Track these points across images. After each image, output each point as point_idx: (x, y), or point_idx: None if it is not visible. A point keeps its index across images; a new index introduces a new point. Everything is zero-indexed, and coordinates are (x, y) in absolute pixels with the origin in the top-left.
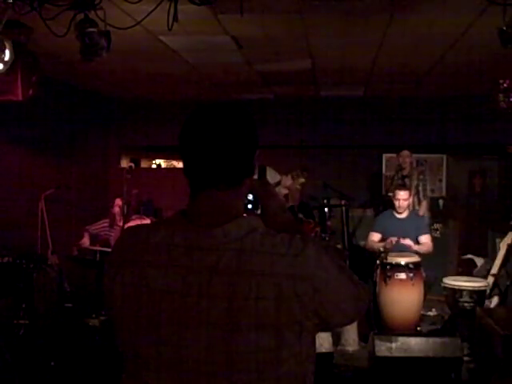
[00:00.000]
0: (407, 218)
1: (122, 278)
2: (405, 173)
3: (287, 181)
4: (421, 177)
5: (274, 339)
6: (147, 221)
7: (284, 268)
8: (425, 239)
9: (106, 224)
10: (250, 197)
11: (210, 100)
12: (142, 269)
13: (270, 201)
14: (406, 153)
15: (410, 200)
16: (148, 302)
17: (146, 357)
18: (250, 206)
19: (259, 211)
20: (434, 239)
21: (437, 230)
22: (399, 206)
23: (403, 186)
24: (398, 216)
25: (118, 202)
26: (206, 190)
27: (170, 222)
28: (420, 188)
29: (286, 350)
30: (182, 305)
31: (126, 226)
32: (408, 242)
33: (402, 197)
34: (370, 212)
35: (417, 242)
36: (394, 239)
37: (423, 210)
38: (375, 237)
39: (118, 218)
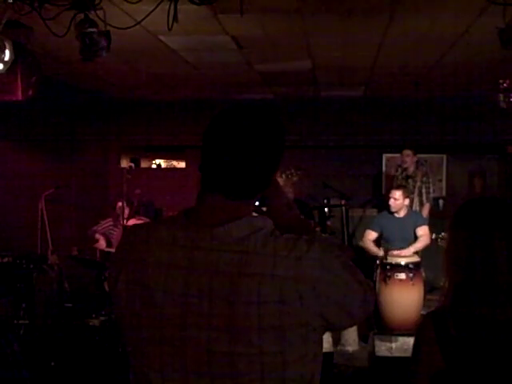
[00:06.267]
0: (405, 216)
1: (126, 277)
2: (409, 172)
3: (279, 180)
4: (424, 179)
5: (278, 342)
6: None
7: (286, 270)
8: (422, 231)
9: (111, 222)
10: None
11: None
12: (144, 268)
13: (276, 198)
14: (406, 152)
15: (406, 202)
16: (150, 301)
17: (150, 356)
18: (256, 203)
19: (265, 208)
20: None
21: (442, 238)
22: (390, 205)
23: (400, 187)
24: (397, 215)
25: (119, 204)
26: (215, 194)
27: (172, 221)
28: (423, 190)
29: (291, 353)
30: (182, 305)
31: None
32: (406, 252)
33: (393, 196)
34: (369, 212)
35: (415, 237)
36: (395, 253)
37: (425, 212)
38: (371, 235)
39: (120, 217)
